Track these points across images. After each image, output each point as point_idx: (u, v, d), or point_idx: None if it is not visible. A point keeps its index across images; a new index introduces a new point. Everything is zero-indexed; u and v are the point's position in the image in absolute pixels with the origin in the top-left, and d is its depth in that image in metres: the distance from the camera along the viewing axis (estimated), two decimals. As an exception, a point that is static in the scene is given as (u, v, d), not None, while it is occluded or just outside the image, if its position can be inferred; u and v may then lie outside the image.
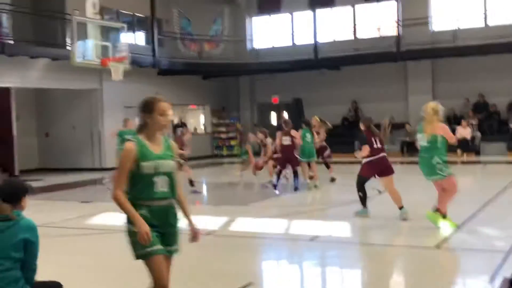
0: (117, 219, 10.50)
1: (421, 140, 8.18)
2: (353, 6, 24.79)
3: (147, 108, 4.18)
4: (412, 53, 22.21)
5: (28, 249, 3.84)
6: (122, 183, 3.97)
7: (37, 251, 3.94)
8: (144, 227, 3.93)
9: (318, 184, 13.56)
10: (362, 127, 9.61)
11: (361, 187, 9.42)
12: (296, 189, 12.97)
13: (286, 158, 13.03)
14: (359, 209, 9.51)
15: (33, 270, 3.96)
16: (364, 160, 9.36)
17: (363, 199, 9.44)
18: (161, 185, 4.04)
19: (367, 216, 9.39)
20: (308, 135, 13.52)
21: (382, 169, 9.30)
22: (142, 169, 3.97)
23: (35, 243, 3.88)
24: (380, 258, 7.32)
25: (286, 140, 13.02)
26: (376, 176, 9.34)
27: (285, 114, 25.66)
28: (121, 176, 3.98)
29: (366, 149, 9.23)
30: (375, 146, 9.33)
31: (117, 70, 15.83)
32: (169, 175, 4.09)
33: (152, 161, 4.00)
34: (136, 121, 14.88)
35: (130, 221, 4.03)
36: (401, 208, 9.02)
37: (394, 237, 8.42)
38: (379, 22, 24.31)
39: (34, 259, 3.93)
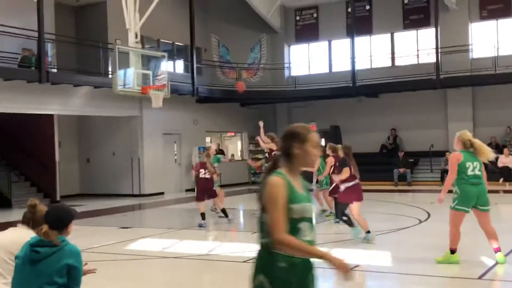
0: (155, 245, 10.62)
1: (475, 169, 7.74)
2: (391, 33, 24.75)
3: (299, 137, 3.43)
4: (452, 80, 21.96)
5: (71, 275, 3.88)
6: (283, 223, 3.25)
7: (80, 277, 3.97)
8: (339, 258, 3.32)
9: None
10: (341, 153, 10.28)
11: (343, 213, 10.07)
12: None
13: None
14: (352, 231, 9.93)
15: None
16: (344, 186, 9.89)
17: (349, 221, 10.00)
18: (305, 233, 3.33)
19: (363, 237, 9.79)
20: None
21: (358, 194, 9.81)
22: (291, 212, 3.28)
23: (78, 268, 3.92)
24: (420, 288, 7.16)
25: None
26: (352, 202, 9.75)
27: (323, 141, 25.58)
28: (280, 215, 3.24)
29: (346, 172, 9.76)
30: (352, 172, 9.85)
31: (157, 98, 16.05)
32: (311, 221, 3.42)
33: (301, 203, 3.34)
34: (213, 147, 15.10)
35: (275, 268, 3.28)
36: (368, 232, 9.62)
37: (434, 267, 8.23)
38: (418, 49, 24.18)
39: (78, 284, 3.96)
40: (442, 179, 21.95)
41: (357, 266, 8.01)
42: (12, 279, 3.97)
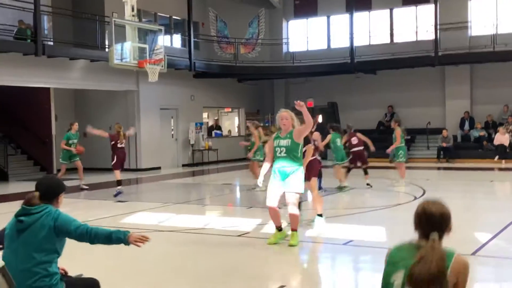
0: (151, 219, 10.65)
1: None
2: (390, 9, 24.57)
3: None
4: (450, 57, 21.88)
5: (59, 229, 3.86)
6: None
7: (69, 221, 3.93)
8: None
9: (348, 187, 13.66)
10: None
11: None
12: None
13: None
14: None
15: (77, 226, 3.95)
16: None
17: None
18: None
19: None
20: (338, 140, 13.71)
21: (317, 170, 9.57)
22: None
23: (63, 219, 3.89)
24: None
25: (355, 140, 14.33)
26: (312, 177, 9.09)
27: (320, 118, 25.56)
28: None
29: (311, 149, 8.90)
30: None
31: (154, 72, 15.99)
32: None
33: None
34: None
35: None
36: (320, 215, 8.98)
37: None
38: (417, 26, 24.04)
39: (72, 224, 3.93)
40: (439, 157, 22.03)
41: (350, 241, 8.07)
42: (3, 252, 3.98)
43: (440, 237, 2.95)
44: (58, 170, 19.08)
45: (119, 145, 14.67)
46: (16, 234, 3.88)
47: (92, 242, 4.01)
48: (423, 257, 2.85)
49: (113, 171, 14.60)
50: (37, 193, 3.94)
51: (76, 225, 3.94)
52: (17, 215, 3.91)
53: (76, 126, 15.98)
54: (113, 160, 14.61)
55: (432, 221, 2.97)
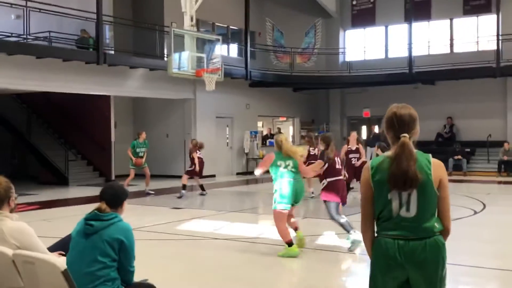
0: (206, 226, 10.73)
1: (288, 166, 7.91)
2: (450, 19, 24.07)
3: None
4: (513, 68, 21.22)
5: (122, 251, 3.97)
6: None
7: (132, 254, 4.06)
8: None
9: None
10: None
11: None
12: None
13: None
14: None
15: (131, 272, 4.09)
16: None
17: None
18: None
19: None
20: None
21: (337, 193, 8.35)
22: None
23: (130, 246, 4.02)
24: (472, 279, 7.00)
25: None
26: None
27: (376, 129, 25.25)
28: None
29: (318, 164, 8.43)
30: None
31: (211, 81, 16.17)
32: None
33: None
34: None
35: None
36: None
37: (489, 260, 8.02)
38: (478, 36, 23.46)
39: (130, 261, 4.06)
40: (499, 170, 21.35)
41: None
42: (68, 255, 4.09)
43: (409, 138, 3.15)
44: (116, 176, 19.57)
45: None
46: (84, 237, 3.99)
47: (123, 281, 4.07)
48: (396, 155, 3.09)
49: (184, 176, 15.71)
50: (103, 203, 4.06)
51: (132, 265, 4.08)
52: (88, 219, 4.02)
53: (143, 135, 16.26)
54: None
55: (402, 121, 3.21)
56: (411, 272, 3.06)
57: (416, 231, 3.05)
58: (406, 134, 3.14)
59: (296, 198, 7.96)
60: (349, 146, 13.77)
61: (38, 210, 12.92)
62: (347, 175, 12.39)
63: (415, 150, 3.11)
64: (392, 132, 3.23)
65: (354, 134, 14.29)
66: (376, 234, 3.19)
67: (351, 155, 13.44)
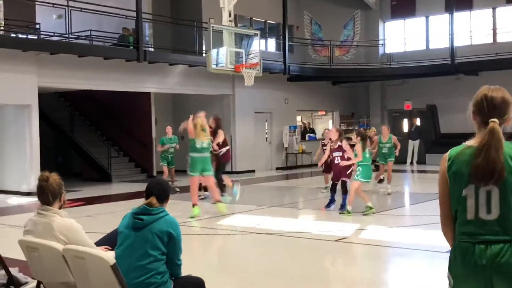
0: (248, 221, 10.74)
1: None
2: (493, 8, 23.48)
3: None
4: (560, 57, 20.57)
5: (171, 244, 4.02)
6: None
7: (180, 247, 4.11)
8: None
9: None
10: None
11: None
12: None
13: None
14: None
15: (178, 265, 4.14)
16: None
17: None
18: None
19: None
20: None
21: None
22: None
23: (177, 239, 4.07)
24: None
25: None
26: None
27: (418, 121, 24.85)
28: None
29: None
30: None
31: (250, 76, 16.16)
32: None
33: None
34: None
35: None
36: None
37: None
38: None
39: (177, 254, 4.11)
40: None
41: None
42: (116, 249, 4.14)
43: (500, 124, 2.76)
44: (157, 172, 19.78)
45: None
46: (133, 232, 4.04)
47: (171, 274, 4.14)
48: (484, 144, 2.69)
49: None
50: (153, 198, 4.12)
51: (180, 258, 4.16)
52: (137, 213, 4.08)
53: (169, 130, 16.24)
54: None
55: (494, 105, 2.83)
56: (495, 281, 2.62)
57: (499, 234, 2.65)
58: (495, 120, 2.76)
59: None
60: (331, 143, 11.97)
61: (83, 206, 13.16)
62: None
63: (503, 140, 2.72)
64: (480, 116, 2.84)
65: (373, 129, 14.02)
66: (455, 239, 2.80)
67: (335, 154, 11.64)
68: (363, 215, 10.69)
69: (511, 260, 2.60)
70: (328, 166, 13.20)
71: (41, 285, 4.41)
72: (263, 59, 17.68)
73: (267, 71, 19.90)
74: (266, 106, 22.83)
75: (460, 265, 2.70)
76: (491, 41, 23.50)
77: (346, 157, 11.21)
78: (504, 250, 2.62)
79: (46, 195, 4.20)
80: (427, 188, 13.67)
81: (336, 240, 8.63)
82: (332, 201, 11.59)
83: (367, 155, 11.07)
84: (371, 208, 10.77)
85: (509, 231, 2.65)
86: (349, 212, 10.82)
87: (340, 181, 11.41)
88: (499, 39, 23.40)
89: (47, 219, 4.16)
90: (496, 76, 22.63)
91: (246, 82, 16.23)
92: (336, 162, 11.46)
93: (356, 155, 10.96)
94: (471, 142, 2.80)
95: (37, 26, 18.70)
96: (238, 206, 13.15)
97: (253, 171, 21.90)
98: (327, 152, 12.44)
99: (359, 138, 11.00)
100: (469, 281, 2.68)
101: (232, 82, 21.01)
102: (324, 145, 14.14)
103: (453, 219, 2.80)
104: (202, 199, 14.26)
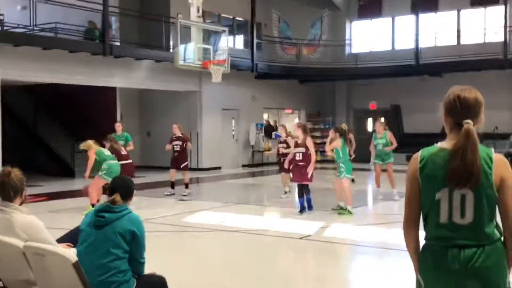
0: (213, 218, 10.73)
1: None
2: (458, 10, 23.91)
3: None
4: (521, 60, 21.07)
5: (134, 243, 3.98)
6: None
7: (143, 246, 4.08)
8: None
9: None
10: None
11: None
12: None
13: None
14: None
15: (141, 263, 4.11)
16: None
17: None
18: None
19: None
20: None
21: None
22: None
23: (141, 237, 4.03)
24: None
25: None
26: None
27: (382, 120, 25.12)
28: None
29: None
30: None
31: (217, 73, 16.13)
32: None
33: None
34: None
35: None
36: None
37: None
38: (485, 28, 23.30)
39: (141, 253, 4.07)
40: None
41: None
42: (77, 247, 4.09)
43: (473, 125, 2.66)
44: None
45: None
46: (94, 229, 3.99)
47: (135, 272, 4.12)
48: (460, 146, 2.61)
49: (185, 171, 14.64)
50: (118, 195, 4.07)
51: (143, 256, 4.13)
52: (100, 210, 4.02)
53: (117, 126, 15.23)
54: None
55: (467, 106, 2.71)
56: (469, 285, 2.59)
57: (473, 238, 2.61)
58: (470, 121, 2.65)
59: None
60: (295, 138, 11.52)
61: (45, 201, 12.95)
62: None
63: (478, 142, 2.64)
64: (453, 118, 2.75)
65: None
66: (424, 241, 2.75)
67: (296, 150, 11.07)
68: (338, 214, 10.73)
69: (484, 264, 2.58)
70: (283, 165, 13.13)
71: (1, 282, 4.33)
72: (231, 56, 17.66)
73: (234, 68, 19.87)
74: (233, 103, 22.81)
75: (432, 269, 2.67)
76: (455, 43, 23.94)
77: (308, 154, 10.68)
78: (477, 255, 2.59)
79: (7, 191, 4.12)
80: (390, 187, 13.83)
81: (300, 238, 8.68)
82: (302, 208, 10.93)
83: (347, 150, 10.93)
84: (346, 210, 10.74)
85: (483, 235, 2.62)
86: (350, 212, 10.69)
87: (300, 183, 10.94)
88: (463, 41, 23.85)
89: (7, 215, 4.08)
90: (459, 77, 23.07)
91: (214, 78, 16.20)
92: (297, 158, 10.84)
93: (337, 152, 10.73)
94: (445, 144, 2.75)
95: (0, 17, 18.28)
96: (204, 203, 13.14)
97: (220, 168, 21.87)
98: (292, 149, 11.63)
99: (337, 134, 10.88)
100: (441, 285, 2.64)
101: (199, 78, 20.92)
102: (280, 142, 14.12)
103: (418, 223, 2.77)
104: (168, 195, 14.23)
